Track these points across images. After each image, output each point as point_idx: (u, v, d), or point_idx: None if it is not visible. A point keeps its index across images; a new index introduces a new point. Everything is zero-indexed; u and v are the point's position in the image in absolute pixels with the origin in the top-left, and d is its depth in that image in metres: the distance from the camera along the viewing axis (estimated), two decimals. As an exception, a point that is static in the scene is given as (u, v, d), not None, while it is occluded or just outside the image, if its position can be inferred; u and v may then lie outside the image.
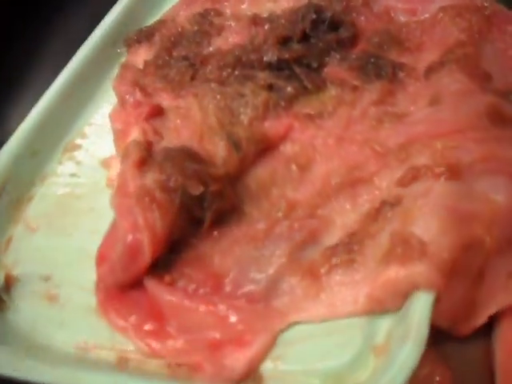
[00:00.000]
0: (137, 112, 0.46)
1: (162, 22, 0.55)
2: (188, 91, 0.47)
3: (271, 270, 0.36)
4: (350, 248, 0.36)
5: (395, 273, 0.33)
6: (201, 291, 0.36)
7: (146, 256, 0.36)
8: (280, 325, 0.35)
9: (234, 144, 0.41)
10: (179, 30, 0.53)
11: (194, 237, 0.38)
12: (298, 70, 0.46)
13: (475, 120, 0.38)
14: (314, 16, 0.48)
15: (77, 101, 0.52)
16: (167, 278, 0.37)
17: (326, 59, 0.47)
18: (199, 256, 0.38)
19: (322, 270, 0.36)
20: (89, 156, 0.49)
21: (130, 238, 0.36)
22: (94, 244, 0.40)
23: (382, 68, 0.45)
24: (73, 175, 0.48)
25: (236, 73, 0.47)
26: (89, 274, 0.39)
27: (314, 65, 0.47)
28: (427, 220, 0.34)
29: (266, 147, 0.42)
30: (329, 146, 0.42)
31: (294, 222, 0.38)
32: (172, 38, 0.52)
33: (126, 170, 0.39)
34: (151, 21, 0.58)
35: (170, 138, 0.44)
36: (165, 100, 0.47)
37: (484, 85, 0.41)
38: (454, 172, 0.36)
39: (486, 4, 0.47)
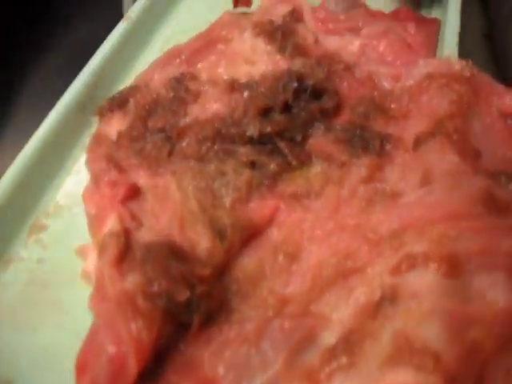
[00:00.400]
0: (112, 193, 0.43)
1: (135, 88, 0.52)
2: (166, 168, 0.45)
3: (266, 377, 0.34)
4: (350, 350, 0.33)
5: (403, 378, 0.31)
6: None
7: (132, 371, 0.33)
8: None
9: (219, 233, 0.39)
10: (154, 96, 0.50)
11: (181, 341, 0.36)
12: (281, 144, 0.44)
13: (470, 207, 0.37)
14: (296, 85, 0.46)
15: (44, 175, 0.49)
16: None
17: (309, 130, 0.45)
18: (187, 361, 0.36)
19: (322, 375, 0.33)
20: (57, 239, 0.46)
21: (113, 351, 0.33)
22: (60, 342, 0.38)
23: (369, 141, 0.43)
24: (39, 261, 0.45)
25: (215, 147, 0.45)
26: (55, 379, 0.36)
27: (298, 138, 0.45)
28: (430, 323, 0.32)
29: (251, 233, 0.40)
30: (318, 232, 0.39)
31: (286, 320, 0.36)
32: (147, 107, 0.50)
33: (103, 268, 0.37)
34: (123, 83, 0.55)
35: (149, 224, 0.41)
36: (141, 177, 0.45)
37: (475, 164, 0.40)
38: (452, 265, 0.34)
39: (473, 73, 0.45)
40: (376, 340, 0.33)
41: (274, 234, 0.40)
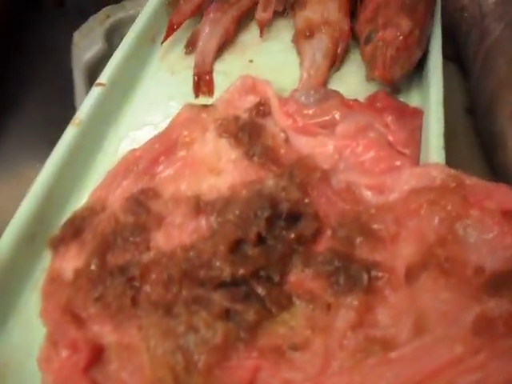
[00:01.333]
0: (72, 361, 0.38)
1: (90, 212, 0.47)
2: (130, 322, 0.40)
3: None
4: None
5: None
6: None
7: None
8: None
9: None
10: (112, 224, 0.45)
11: None
12: (257, 288, 0.39)
13: (465, 345, 0.34)
14: (269, 212, 0.41)
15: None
16: None
17: (288, 266, 0.40)
18: None
19: None
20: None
21: None
22: None
23: (355, 276, 0.39)
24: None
25: (184, 293, 0.40)
26: None
27: (276, 278, 0.40)
28: None
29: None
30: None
31: None
32: (105, 238, 0.44)
33: None
34: (76, 199, 0.50)
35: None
36: (104, 333, 0.40)
37: (476, 280, 0.36)
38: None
39: (460, 182, 0.41)
40: None
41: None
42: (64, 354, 0.39)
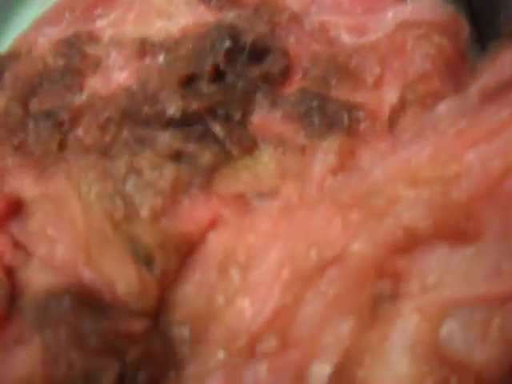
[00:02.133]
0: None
1: (13, 56, 0.38)
2: (57, 168, 0.32)
3: None
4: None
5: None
6: None
7: None
8: None
9: (144, 260, 0.27)
10: (39, 67, 0.37)
11: None
12: (214, 125, 0.32)
13: None
14: (229, 44, 0.34)
15: None
16: None
17: (251, 105, 0.33)
18: None
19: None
20: None
21: None
22: None
23: (334, 116, 0.32)
24: None
25: (124, 134, 0.32)
26: None
27: (236, 116, 0.33)
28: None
29: (186, 251, 0.28)
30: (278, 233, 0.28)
31: (264, 362, 0.25)
32: (29, 82, 0.36)
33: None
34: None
35: (40, 253, 0.29)
36: (23, 184, 0.32)
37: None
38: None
39: (458, 23, 0.34)
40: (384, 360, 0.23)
41: (218, 242, 0.29)
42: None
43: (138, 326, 0.25)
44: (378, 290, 0.25)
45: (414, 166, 0.26)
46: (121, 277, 0.27)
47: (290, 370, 0.25)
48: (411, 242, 0.25)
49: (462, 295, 0.24)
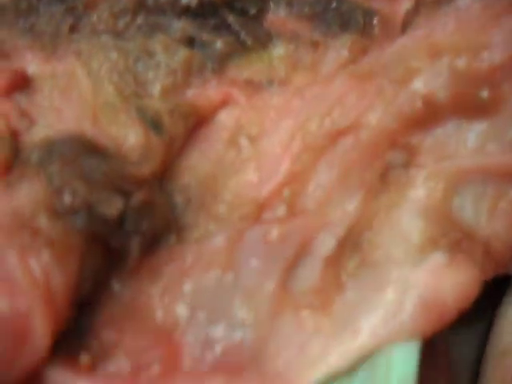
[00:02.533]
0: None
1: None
2: (67, 49, 0.31)
3: (257, 310, 0.22)
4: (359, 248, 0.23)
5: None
6: (143, 373, 0.21)
7: (40, 339, 0.20)
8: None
9: (152, 122, 0.26)
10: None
11: (115, 279, 0.23)
12: (229, 17, 0.32)
13: None
14: None
15: None
16: (84, 359, 0.22)
17: (267, 3, 0.33)
18: (128, 309, 0.23)
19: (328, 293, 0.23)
20: None
21: (6, 311, 0.20)
22: None
23: (349, 16, 0.32)
24: None
25: (139, 21, 0.32)
26: None
27: (252, 10, 0.32)
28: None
29: (196, 123, 0.28)
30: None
31: (271, 227, 0.24)
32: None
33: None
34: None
35: (45, 122, 0.28)
36: (31, 63, 0.31)
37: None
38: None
39: None
40: (393, 225, 0.23)
41: (229, 117, 0.28)
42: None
43: (145, 170, 0.24)
44: (391, 160, 0.25)
45: (437, 38, 0.26)
46: (128, 136, 0.26)
47: (294, 237, 0.24)
48: (428, 115, 0.25)
49: (476, 166, 0.24)
